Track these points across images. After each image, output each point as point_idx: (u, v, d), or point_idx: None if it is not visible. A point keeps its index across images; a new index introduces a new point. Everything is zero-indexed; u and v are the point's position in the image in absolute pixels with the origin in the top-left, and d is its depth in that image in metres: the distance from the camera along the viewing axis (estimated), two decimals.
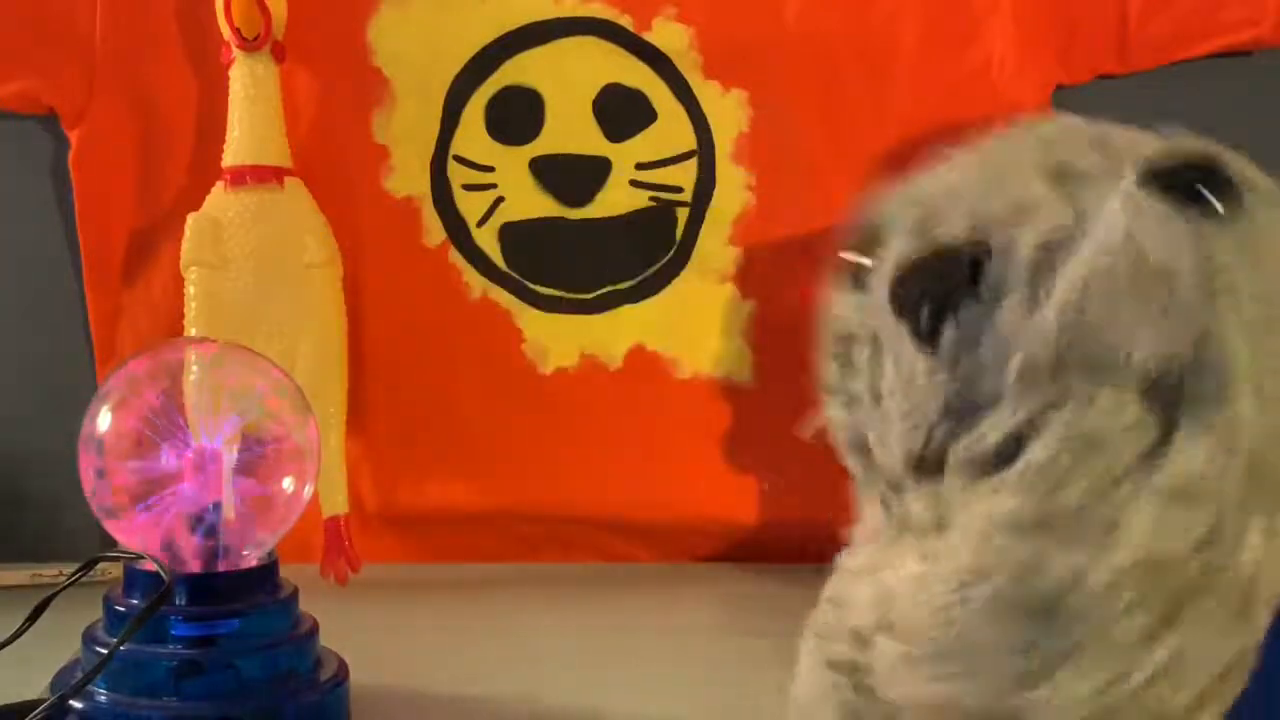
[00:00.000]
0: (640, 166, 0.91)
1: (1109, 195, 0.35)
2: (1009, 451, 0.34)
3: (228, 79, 0.87)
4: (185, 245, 0.86)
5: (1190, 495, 0.32)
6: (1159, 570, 0.32)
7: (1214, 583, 0.33)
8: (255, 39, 0.86)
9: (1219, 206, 0.34)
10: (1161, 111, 0.96)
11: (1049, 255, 0.35)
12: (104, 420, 0.61)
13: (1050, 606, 0.32)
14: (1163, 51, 0.90)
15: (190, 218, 0.87)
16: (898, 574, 0.37)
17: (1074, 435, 0.33)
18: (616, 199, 0.91)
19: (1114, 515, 0.32)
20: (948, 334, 0.36)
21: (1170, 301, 0.33)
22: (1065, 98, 0.91)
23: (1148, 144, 0.36)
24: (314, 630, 0.63)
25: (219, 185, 0.87)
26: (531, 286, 0.92)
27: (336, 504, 0.88)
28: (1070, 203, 0.36)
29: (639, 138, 0.91)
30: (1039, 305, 0.34)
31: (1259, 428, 0.33)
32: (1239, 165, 0.35)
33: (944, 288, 0.36)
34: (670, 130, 0.92)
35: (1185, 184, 0.35)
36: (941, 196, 0.40)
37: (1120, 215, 0.34)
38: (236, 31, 0.86)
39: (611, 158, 0.91)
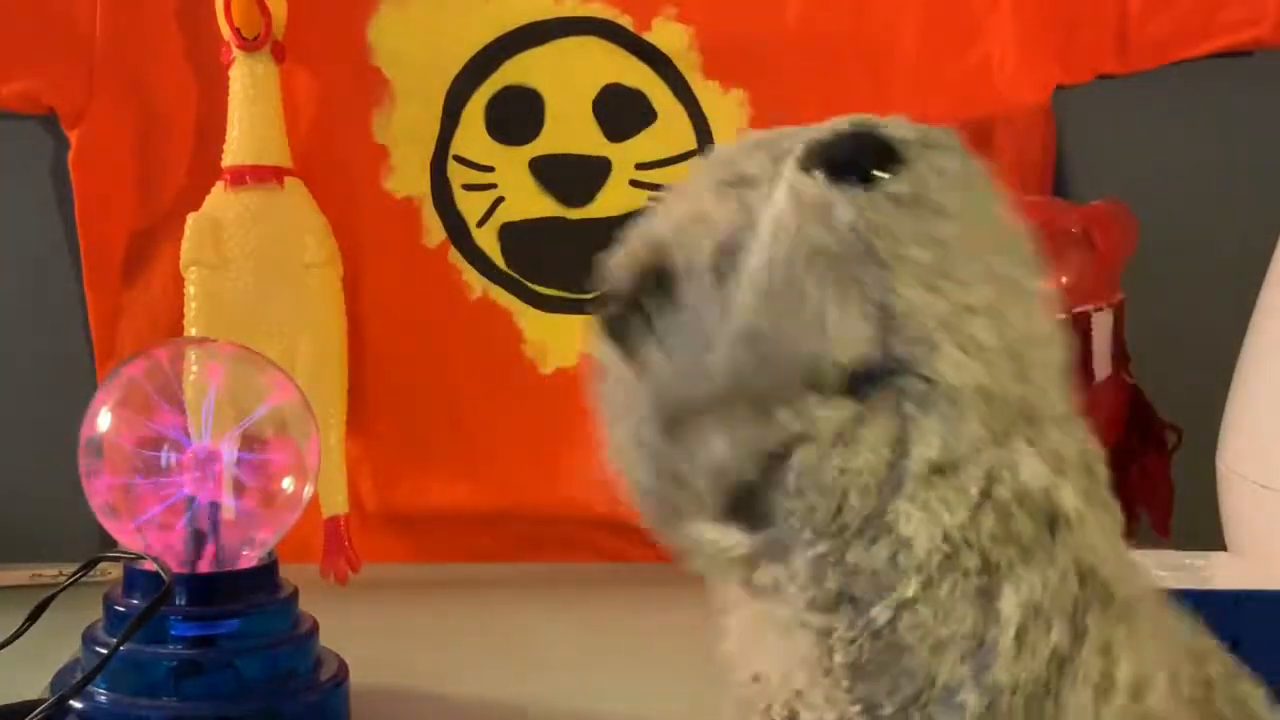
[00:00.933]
0: (640, 166, 0.91)
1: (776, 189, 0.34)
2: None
3: (228, 79, 0.87)
4: (185, 245, 0.86)
5: (950, 466, 0.32)
6: (959, 543, 0.32)
7: (1009, 519, 0.33)
8: (255, 39, 0.86)
9: (873, 170, 0.33)
10: (1161, 111, 0.97)
11: (729, 258, 0.35)
12: (103, 420, 0.61)
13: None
14: (1163, 51, 0.90)
15: (190, 218, 0.87)
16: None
17: (812, 469, 0.32)
18: (616, 199, 0.91)
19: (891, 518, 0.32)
20: (648, 346, 0.36)
21: (843, 279, 0.32)
22: (1065, 98, 0.91)
23: (812, 133, 0.35)
24: (314, 630, 0.63)
25: (219, 185, 0.87)
26: (531, 286, 0.92)
27: (336, 504, 0.88)
28: (740, 204, 0.35)
29: (639, 138, 0.91)
30: (728, 309, 0.34)
31: (977, 370, 0.33)
32: (899, 125, 0.34)
33: (630, 300, 0.38)
34: (670, 130, 0.91)
35: (843, 159, 0.34)
36: (639, 233, 0.40)
37: (781, 204, 0.34)
38: (236, 31, 0.86)
39: (611, 158, 0.91)
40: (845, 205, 0.33)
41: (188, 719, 0.57)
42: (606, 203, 0.91)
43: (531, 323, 0.93)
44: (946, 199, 0.34)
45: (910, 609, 0.31)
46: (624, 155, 0.91)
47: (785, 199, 0.33)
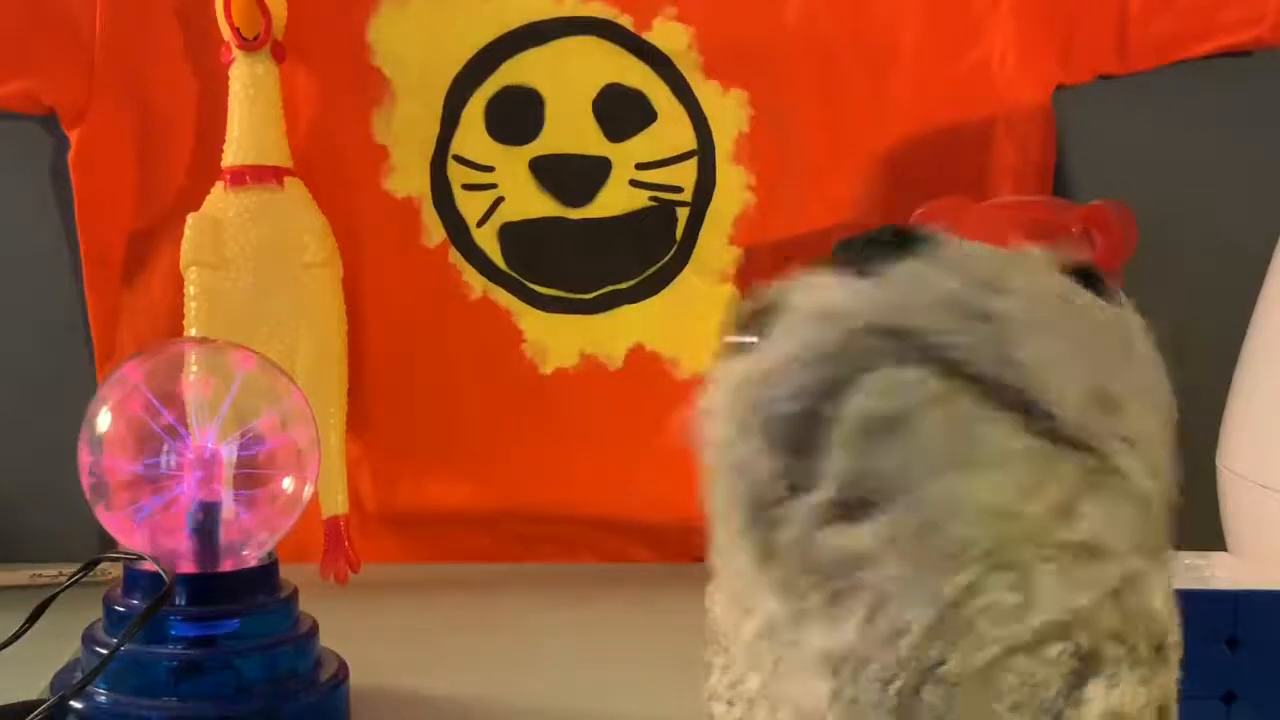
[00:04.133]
0: (640, 166, 0.91)
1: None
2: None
3: (228, 79, 0.87)
4: (185, 245, 0.86)
5: (1099, 552, 0.32)
6: (1080, 621, 0.32)
7: (1131, 628, 0.33)
8: (255, 39, 0.86)
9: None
10: (1161, 111, 0.97)
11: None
12: (103, 420, 0.61)
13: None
14: (1163, 51, 0.90)
15: (190, 218, 0.87)
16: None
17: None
18: (616, 199, 0.91)
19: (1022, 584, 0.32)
20: None
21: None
22: (1065, 98, 0.92)
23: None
24: (314, 630, 0.63)
25: (219, 185, 0.87)
26: (531, 286, 0.92)
27: (336, 504, 0.88)
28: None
29: (639, 138, 0.91)
30: None
31: (1152, 485, 0.34)
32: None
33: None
34: (670, 130, 0.92)
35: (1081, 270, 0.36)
36: None
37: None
38: (236, 31, 0.86)
39: (611, 158, 0.91)
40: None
41: (188, 719, 0.57)
42: (606, 203, 0.91)
43: (531, 323, 0.93)
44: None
45: (1011, 658, 0.32)
46: (624, 155, 0.91)
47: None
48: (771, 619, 0.35)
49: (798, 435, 0.33)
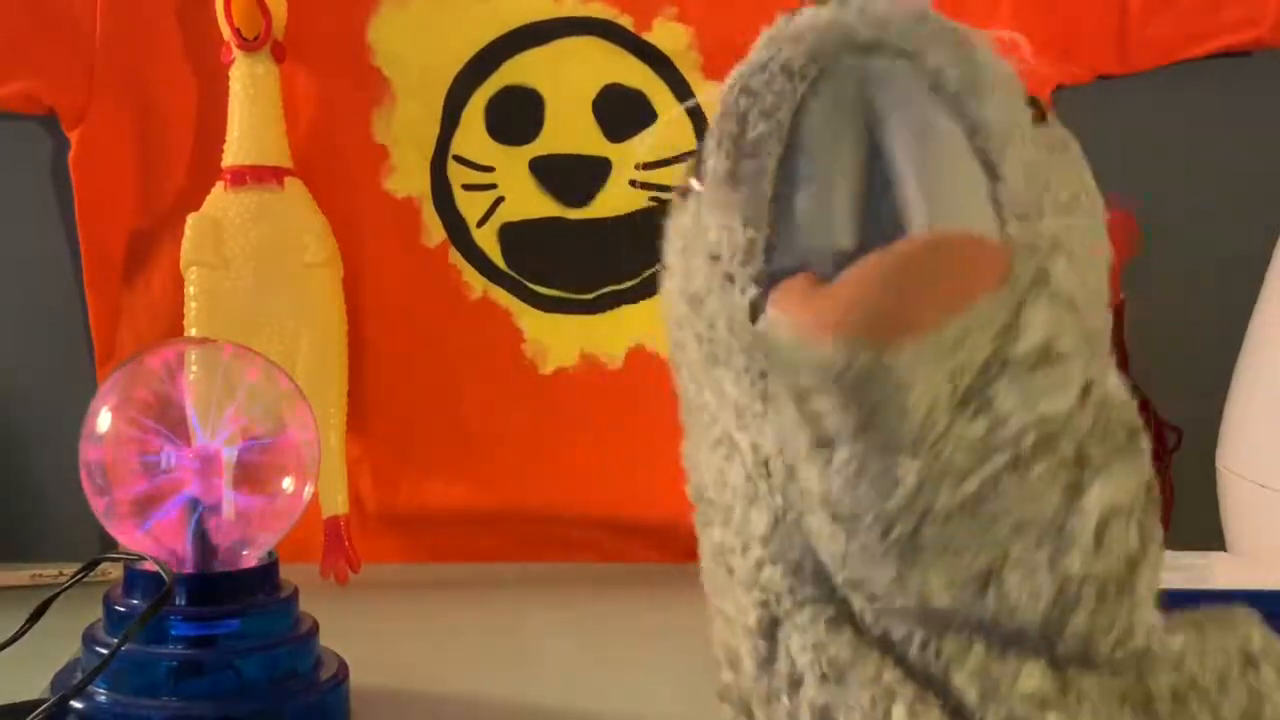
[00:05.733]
0: (640, 166, 0.91)
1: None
2: None
3: (228, 79, 0.87)
4: (185, 245, 0.86)
5: (1056, 358, 0.33)
6: (1058, 431, 0.33)
7: (1106, 422, 0.34)
8: (255, 39, 0.86)
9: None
10: (1161, 111, 0.96)
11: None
12: (104, 420, 0.61)
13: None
14: (1163, 51, 0.90)
15: (190, 218, 0.87)
16: None
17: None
18: (616, 199, 0.91)
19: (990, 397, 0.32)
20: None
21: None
22: (1065, 98, 0.91)
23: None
24: (314, 630, 0.63)
25: (219, 185, 0.87)
26: (531, 286, 0.92)
27: (336, 504, 0.88)
28: None
29: (639, 138, 0.91)
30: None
31: (1077, 283, 0.34)
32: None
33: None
34: (670, 130, 0.91)
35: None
36: None
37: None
38: (236, 31, 0.86)
39: (611, 158, 0.91)
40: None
41: (188, 719, 0.57)
42: (606, 203, 0.91)
43: (531, 323, 0.93)
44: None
45: (997, 483, 0.32)
46: (624, 155, 0.91)
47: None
48: (763, 454, 0.35)
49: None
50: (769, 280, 0.34)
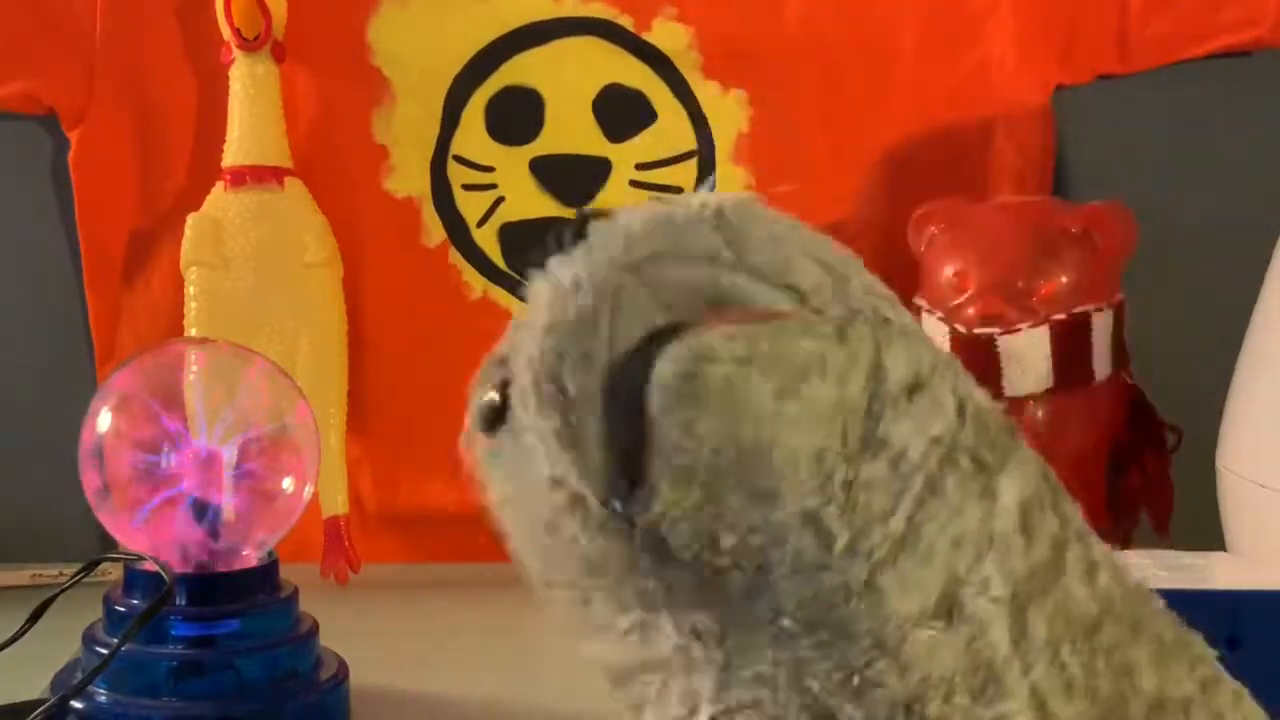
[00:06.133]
0: (640, 167, 0.92)
1: None
2: None
3: (228, 79, 0.87)
4: (185, 245, 0.86)
5: (922, 385, 0.34)
6: (951, 446, 0.34)
7: (985, 428, 0.35)
8: (255, 39, 0.86)
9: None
10: (1161, 111, 0.97)
11: None
12: (104, 420, 0.61)
13: None
14: (1163, 51, 0.90)
15: (190, 218, 0.87)
16: None
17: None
18: (616, 199, 0.91)
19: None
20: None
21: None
22: (1065, 98, 0.92)
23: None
24: (314, 630, 0.63)
25: (219, 185, 0.87)
26: None
27: (336, 504, 0.88)
28: None
29: (639, 138, 0.91)
30: None
31: (907, 315, 0.36)
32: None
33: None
34: (670, 130, 0.92)
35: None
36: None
37: None
38: (236, 31, 0.86)
39: (611, 158, 0.91)
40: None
41: (188, 719, 0.57)
42: (606, 203, 0.91)
43: None
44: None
45: (922, 508, 0.33)
46: (624, 155, 0.91)
47: None
48: (688, 625, 0.36)
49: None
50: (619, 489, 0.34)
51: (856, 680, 0.33)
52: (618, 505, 0.34)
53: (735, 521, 0.33)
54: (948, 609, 0.33)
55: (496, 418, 0.40)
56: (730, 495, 0.32)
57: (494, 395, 0.40)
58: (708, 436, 0.31)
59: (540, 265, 0.36)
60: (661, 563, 0.34)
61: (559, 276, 0.35)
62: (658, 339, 0.32)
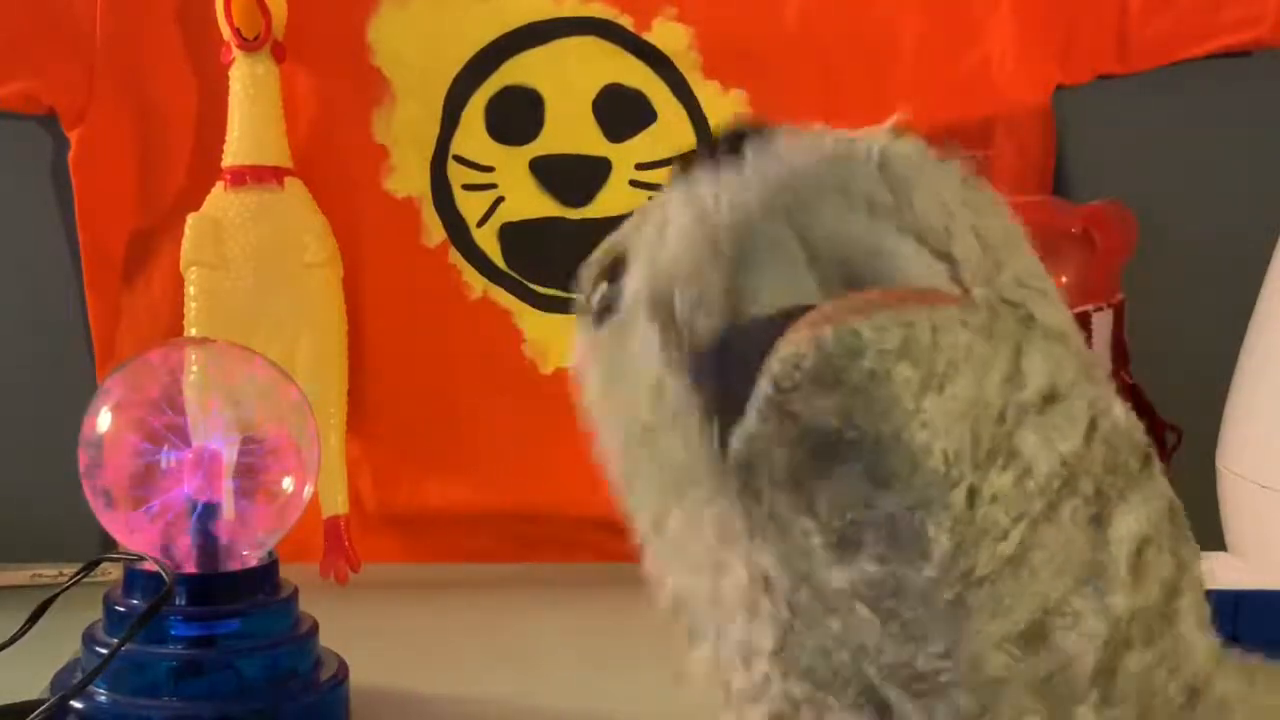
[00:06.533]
0: (640, 166, 0.91)
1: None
2: None
3: (228, 79, 0.87)
4: (185, 245, 0.86)
5: (1060, 396, 0.32)
6: (1076, 470, 0.32)
7: (1117, 452, 0.33)
8: (255, 39, 0.86)
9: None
10: (1161, 111, 0.97)
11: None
12: (104, 420, 0.61)
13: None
14: (1163, 51, 0.90)
15: (190, 218, 0.87)
16: None
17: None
18: (616, 199, 0.91)
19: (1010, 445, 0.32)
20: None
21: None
22: (1065, 98, 0.92)
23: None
24: (314, 630, 0.63)
25: (219, 185, 0.87)
26: (531, 286, 0.92)
27: (336, 504, 0.88)
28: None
29: (639, 138, 0.91)
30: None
31: (1063, 314, 0.34)
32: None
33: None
34: (670, 130, 0.91)
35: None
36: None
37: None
38: (236, 31, 0.86)
39: (611, 158, 0.91)
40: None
41: (188, 719, 0.57)
42: (606, 203, 0.91)
43: (531, 323, 0.93)
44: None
45: (1035, 532, 0.31)
46: (624, 155, 0.91)
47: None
48: (760, 570, 0.34)
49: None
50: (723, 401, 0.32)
51: (920, 684, 0.32)
52: (717, 431, 0.32)
53: (837, 494, 0.31)
54: (1033, 637, 0.31)
55: (606, 311, 0.37)
56: (839, 470, 0.31)
57: (606, 289, 0.38)
58: (834, 416, 0.30)
59: (689, 166, 0.34)
60: (750, 497, 0.33)
61: (704, 196, 0.33)
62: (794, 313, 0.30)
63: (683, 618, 0.39)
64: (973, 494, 0.31)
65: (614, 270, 0.38)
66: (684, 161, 0.34)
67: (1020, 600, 0.31)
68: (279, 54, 0.88)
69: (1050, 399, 0.32)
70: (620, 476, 0.39)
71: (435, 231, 0.92)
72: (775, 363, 0.30)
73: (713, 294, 0.32)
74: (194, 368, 0.64)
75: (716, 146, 0.33)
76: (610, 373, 0.38)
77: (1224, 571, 0.63)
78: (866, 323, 0.29)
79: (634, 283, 0.35)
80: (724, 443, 0.32)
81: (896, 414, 0.30)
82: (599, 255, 0.39)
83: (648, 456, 0.36)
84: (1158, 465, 0.34)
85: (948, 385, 0.30)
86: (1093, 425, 0.32)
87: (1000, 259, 0.33)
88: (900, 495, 0.30)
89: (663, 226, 0.34)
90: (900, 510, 0.31)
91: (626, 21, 0.91)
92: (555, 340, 0.93)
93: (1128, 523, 0.32)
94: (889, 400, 0.30)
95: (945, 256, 0.32)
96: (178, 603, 0.58)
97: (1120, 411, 0.34)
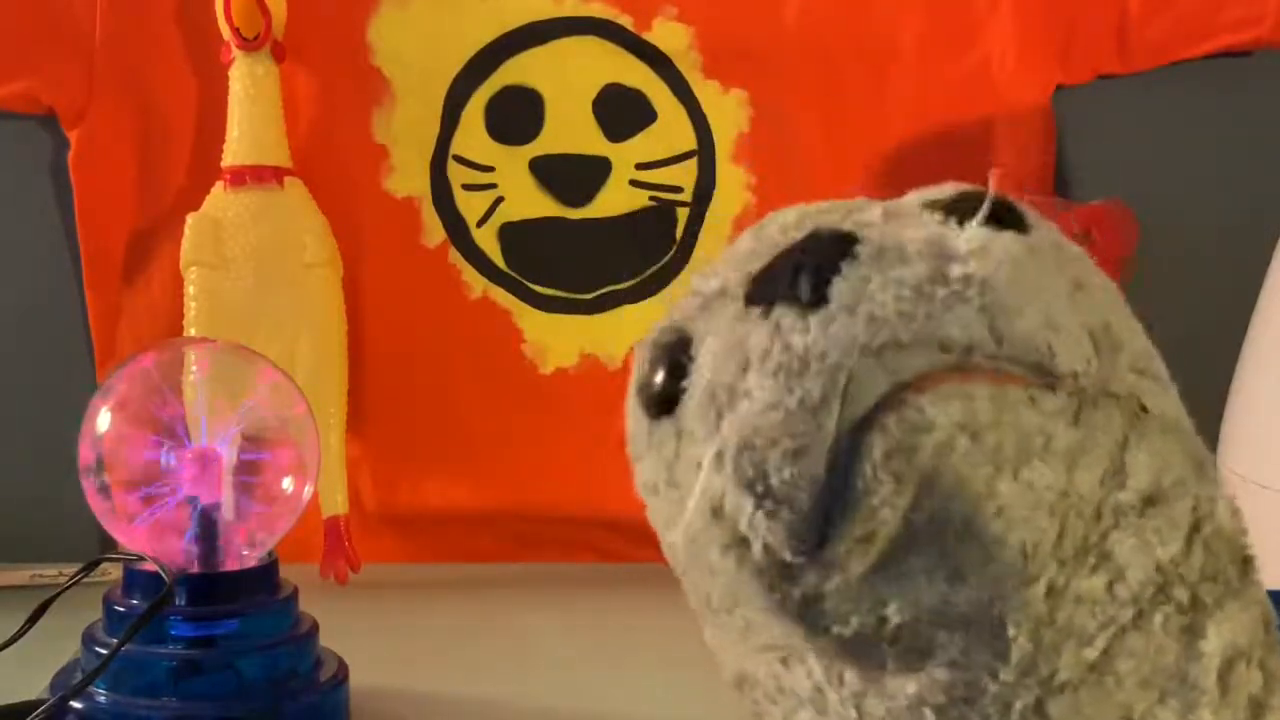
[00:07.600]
0: (640, 166, 0.91)
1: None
2: None
3: (228, 79, 0.87)
4: (185, 245, 0.86)
5: (1162, 498, 0.31)
6: (1172, 577, 0.31)
7: (1217, 559, 0.32)
8: (255, 39, 0.86)
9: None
10: (1161, 111, 0.96)
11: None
12: (103, 420, 0.61)
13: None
14: (1163, 51, 0.90)
15: (190, 218, 0.87)
16: None
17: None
18: (616, 199, 0.91)
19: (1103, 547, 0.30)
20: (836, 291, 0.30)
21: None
22: (1065, 98, 0.92)
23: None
24: (314, 630, 0.63)
25: (219, 185, 0.87)
26: (531, 286, 0.92)
27: (336, 504, 0.88)
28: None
29: (639, 138, 0.91)
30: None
31: (1178, 405, 0.33)
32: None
33: (822, 256, 0.30)
34: (670, 130, 0.91)
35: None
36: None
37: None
38: (236, 31, 0.86)
39: (611, 158, 0.91)
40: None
41: (188, 719, 0.57)
42: (606, 203, 0.91)
43: (531, 323, 0.93)
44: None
45: (1122, 640, 0.30)
46: (624, 155, 0.91)
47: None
48: (837, 670, 0.32)
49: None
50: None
51: None
52: (786, 558, 0.30)
53: (912, 596, 0.29)
54: None
55: (666, 405, 0.34)
56: (915, 566, 0.29)
57: (662, 380, 0.35)
58: (909, 504, 0.28)
59: (767, 295, 0.31)
60: (814, 629, 0.31)
61: (789, 338, 0.30)
62: (877, 408, 0.28)
63: (748, 694, 0.37)
64: (1054, 592, 0.29)
65: (674, 354, 0.35)
66: (759, 285, 0.32)
67: (1102, 710, 0.30)
68: (279, 54, 0.88)
69: (1152, 500, 0.30)
70: (667, 549, 0.37)
71: (435, 231, 0.92)
72: (862, 465, 0.28)
73: (801, 446, 0.29)
74: (194, 368, 0.64)
75: (797, 277, 0.31)
76: (666, 475, 0.36)
77: None
78: (927, 396, 0.28)
79: (697, 387, 0.32)
80: (789, 576, 0.30)
81: (967, 495, 0.28)
82: (658, 335, 0.36)
83: (698, 565, 0.34)
84: (1257, 571, 0.33)
85: (1023, 470, 0.28)
86: (1195, 528, 0.31)
87: (1116, 346, 0.31)
88: (975, 589, 0.29)
89: (741, 364, 0.31)
90: (976, 607, 0.29)
91: (626, 21, 0.91)
92: (555, 340, 0.93)
93: (1221, 634, 0.31)
94: (957, 479, 0.28)
95: (1050, 354, 0.30)
96: (177, 603, 0.58)
97: (1225, 513, 0.32)
